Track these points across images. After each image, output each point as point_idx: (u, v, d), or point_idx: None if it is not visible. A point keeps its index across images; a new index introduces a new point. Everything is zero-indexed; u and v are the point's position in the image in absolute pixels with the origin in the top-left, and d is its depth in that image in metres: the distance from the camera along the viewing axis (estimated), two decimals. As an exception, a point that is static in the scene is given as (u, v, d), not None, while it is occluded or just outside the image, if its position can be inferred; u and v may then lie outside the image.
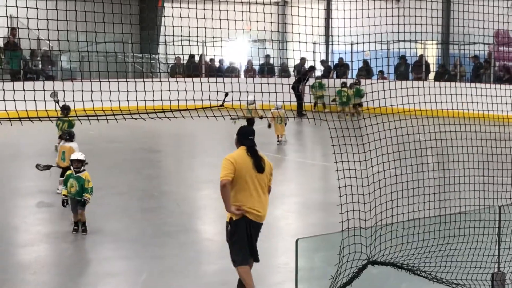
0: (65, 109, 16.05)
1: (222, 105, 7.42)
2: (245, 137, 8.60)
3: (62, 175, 13.68)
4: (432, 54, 31.86)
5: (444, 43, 30.59)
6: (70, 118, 16.28)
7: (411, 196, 8.03)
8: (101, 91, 8.21)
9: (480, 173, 9.93)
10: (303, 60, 30.93)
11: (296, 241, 5.58)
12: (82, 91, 8.23)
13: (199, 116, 7.93)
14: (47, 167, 14.02)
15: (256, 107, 21.39)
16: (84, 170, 11.94)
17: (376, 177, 7.69)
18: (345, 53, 31.16)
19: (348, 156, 7.37)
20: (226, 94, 7.59)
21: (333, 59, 33.03)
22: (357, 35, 11.67)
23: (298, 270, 6.57)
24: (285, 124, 21.90)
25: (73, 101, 8.29)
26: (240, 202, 8.37)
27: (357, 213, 6.60)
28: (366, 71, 30.46)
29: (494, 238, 6.79)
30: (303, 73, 29.94)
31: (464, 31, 15.46)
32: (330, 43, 32.07)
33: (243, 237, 8.44)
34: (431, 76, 30.77)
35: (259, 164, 8.36)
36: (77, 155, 12.08)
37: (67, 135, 14.49)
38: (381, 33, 12.63)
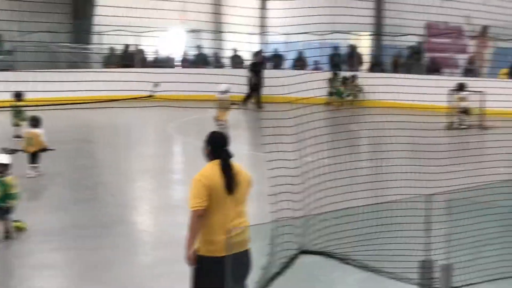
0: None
1: (151, 96, 7.32)
2: (220, 146, 6.75)
3: (30, 161, 14.81)
4: (365, 45, 32.21)
5: (377, 35, 30.95)
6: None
7: (343, 186, 8.13)
8: (33, 81, 8.13)
9: (410, 163, 10.11)
10: (259, 53, 30.57)
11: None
12: (15, 81, 8.14)
13: (133, 107, 7.89)
14: (14, 151, 13.73)
15: (228, 98, 21.93)
16: (9, 174, 11.16)
17: (309, 167, 7.78)
18: (279, 43, 31.31)
19: (279, 146, 7.44)
20: (156, 85, 7.43)
21: (268, 49, 33.12)
22: (291, 25, 11.74)
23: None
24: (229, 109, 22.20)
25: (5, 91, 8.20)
26: (212, 235, 6.49)
27: (289, 203, 6.68)
28: (301, 61, 30.65)
29: (422, 226, 6.94)
30: (256, 64, 29.59)
31: (397, 23, 15.66)
32: (265, 33, 32.16)
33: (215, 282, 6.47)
34: (365, 67, 31.16)
35: (231, 183, 6.57)
36: (0, 159, 11.24)
37: (34, 121, 14.59)
38: (314, 23, 12.74)
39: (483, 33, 28.53)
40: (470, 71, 29.16)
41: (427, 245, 6.91)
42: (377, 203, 7.48)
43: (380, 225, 7.18)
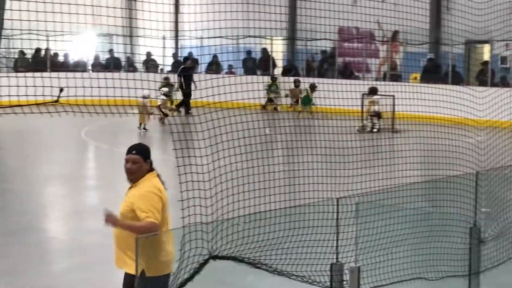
0: None
1: (57, 101, 7.17)
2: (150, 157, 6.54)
3: None
4: (279, 50, 32.47)
5: (290, 39, 31.23)
6: None
7: (255, 190, 8.15)
8: None
9: (323, 166, 10.21)
10: (187, 58, 30.23)
11: (136, 239, 5.57)
12: None
13: (40, 113, 7.72)
14: None
15: (148, 103, 22.58)
16: None
17: (220, 172, 7.77)
18: (194, 47, 31.22)
19: (189, 151, 7.42)
20: (61, 90, 7.26)
21: (182, 53, 33.00)
22: (205, 29, 11.73)
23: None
24: (150, 114, 22.39)
25: None
26: (162, 251, 6.23)
27: (199, 208, 6.67)
28: (215, 65, 30.67)
29: (332, 229, 7.01)
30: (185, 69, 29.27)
31: (309, 28, 15.82)
32: (179, 37, 32.06)
33: None
34: (279, 71, 31.40)
35: None
36: None
37: None
38: (229, 28, 12.75)
39: (393, 38, 29.12)
40: (382, 75, 29.72)
41: (337, 248, 6.98)
42: (289, 207, 7.53)
43: (291, 228, 7.22)
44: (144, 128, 23.34)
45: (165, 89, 25.02)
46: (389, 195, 8.12)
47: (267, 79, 29.18)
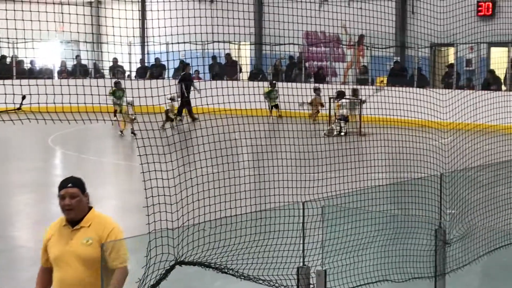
0: None
1: (19, 109, 7.07)
2: None
3: None
4: (245, 55, 32.50)
5: (256, 44, 31.29)
6: None
7: (221, 195, 8.17)
8: None
9: (291, 170, 10.25)
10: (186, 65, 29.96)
11: (101, 245, 5.55)
12: None
13: (3, 120, 7.63)
14: None
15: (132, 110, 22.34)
16: None
17: (185, 177, 7.77)
18: (160, 53, 31.17)
19: (154, 157, 7.40)
20: (24, 97, 7.14)
21: (149, 59, 32.98)
22: (171, 35, 11.73)
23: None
24: (133, 120, 22.39)
25: None
26: None
27: (165, 214, 6.67)
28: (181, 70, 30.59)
29: (299, 233, 7.05)
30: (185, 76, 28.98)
31: (276, 33, 15.88)
32: (145, 44, 32.00)
33: None
34: (245, 76, 31.42)
35: None
36: None
37: None
38: (195, 33, 12.76)
39: (359, 42, 29.29)
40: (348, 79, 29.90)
41: (303, 251, 7.01)
42: (255, 211, 7.55)
43: (258, 233, 7.24)
44: (133, 133, 22.87)
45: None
46: (355, 198, 8.18)
47: (265, 84, 28.10)
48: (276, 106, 27.96)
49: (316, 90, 27.27)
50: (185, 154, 8.26)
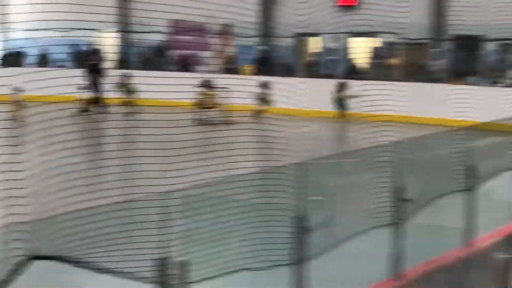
0: None
1: None
2: None
3: None
4: (110, 43, 31.96)
5: (120, 31, 30.88)
6: None
7: (83, 186, 7.96)
8: None
9: (157, 161, 10.12)
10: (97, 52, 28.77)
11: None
12: None
13: None
14: None
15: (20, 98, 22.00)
16: None
17: (45, 168, 7.55)
18: (22, 40, 30.30)
19: (13, 148, 7.14)
20: None
21: (11, 46, 31.94)
22: (33, 21, 11.40)
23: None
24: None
25: None
26: None
27: (21, 207, 6.44)
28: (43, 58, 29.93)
29: (160, 224, 6.94)
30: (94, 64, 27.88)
31: (143, 21, 15.70)
32: (5, 30, 31.08)
33: None
34: (110, 64, 30.83)
35: None
36: None
37: None
38: (59, 20, 12.43)
39: (225, 31, 29.35)
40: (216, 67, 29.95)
41: (165, 242, 6.93)
42: (115, 203, 7.39)
43: (118, 224, 7.09)
44: (20, 122, 22.55)
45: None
46: (218, 188, 8.15)
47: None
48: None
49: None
50: (43, 144, 8.01)
